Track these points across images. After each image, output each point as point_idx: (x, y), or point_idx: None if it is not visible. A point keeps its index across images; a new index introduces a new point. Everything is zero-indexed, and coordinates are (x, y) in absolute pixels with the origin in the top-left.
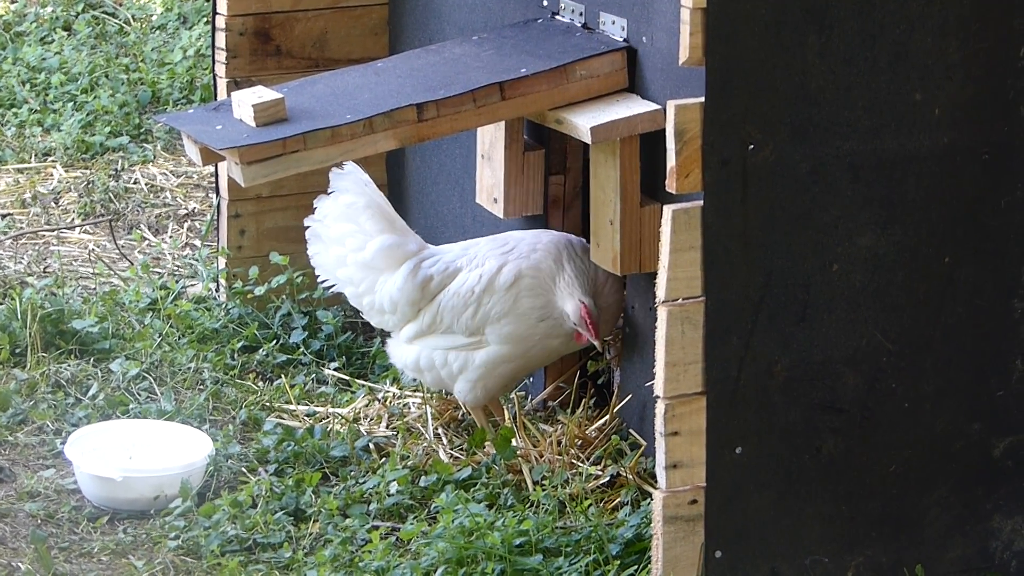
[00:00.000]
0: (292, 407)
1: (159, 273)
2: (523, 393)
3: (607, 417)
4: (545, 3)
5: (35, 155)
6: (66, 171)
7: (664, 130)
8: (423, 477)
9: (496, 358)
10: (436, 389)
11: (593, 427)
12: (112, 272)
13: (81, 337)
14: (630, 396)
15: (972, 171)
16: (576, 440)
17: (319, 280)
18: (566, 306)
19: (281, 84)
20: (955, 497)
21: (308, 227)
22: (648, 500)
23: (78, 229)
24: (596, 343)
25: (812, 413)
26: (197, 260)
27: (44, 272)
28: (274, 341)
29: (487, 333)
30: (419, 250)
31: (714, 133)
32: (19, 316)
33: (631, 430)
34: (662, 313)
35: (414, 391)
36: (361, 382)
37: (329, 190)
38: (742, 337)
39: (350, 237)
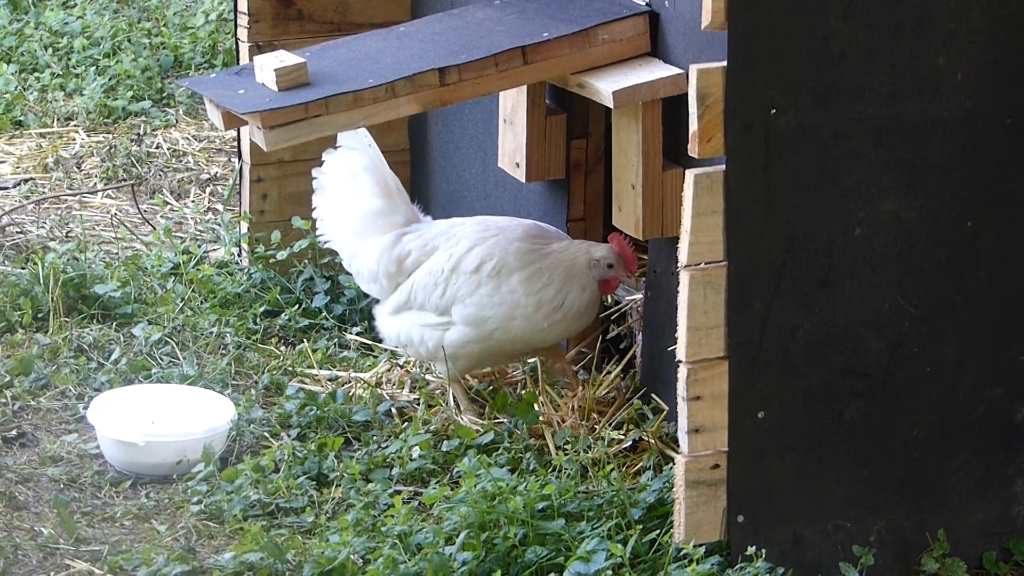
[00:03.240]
0: (314, 371)
1: (181, 238)
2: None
3: (629, 381)
4: None
5: (57, 120)
6: (88, 136)
7: (686, 94)
8: (445, 442)
9: (461, 338)
10: (419, 362)
11: (614, 391)
12: (134, 237)
13: (103, 302)
14: (653, 360)
15: (995, 136)
16: (597, 405)
17: (318, 235)
18: (596, 252)
19: (303, 48)
20: (977, 462)
21: (315, 178)
22: (670, 464)
23: (100, 194)
24: (631, 281)
25: (834, 377)
26: (219, 224)
27: (67, 237)
28: (296, 305)
29: (452, 313)
30: (407, 223)
31: (737, 97)
32: (42, 281)
33: (653, 395)
34: (684, 277)
35: None
36: (383, 346)
37: (336, 145)
38: (764, 301)
39: (345, 197)
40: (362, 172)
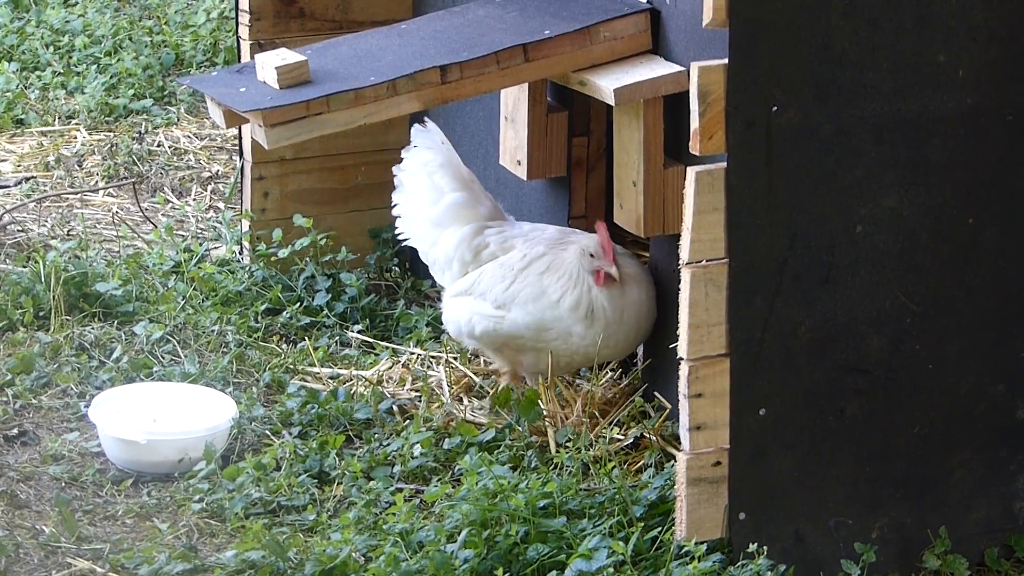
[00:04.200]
0: (316, 370)
1: (183, 236)
2: None
3: (631, 379)
4: None
5: (59, 118)
6: (90, 134)
7: (688, 92)
8: (447, 439)
9: (514, 333)
10: (474, 350)
11: (617, 389)
12: (136, 235)
13: (105, 300)
14: (654, 358)
15: (996, 132)
16: (600, 403)
17: (396, 232)
18: (585, 241)
19: (305, 46)
20: (979, 458)
21: (395, 176)
22: (672, 462)
23: (102, 192)
24: (613, 270)
25: (836, 375)
26: (221, 223)
27: (68, 235)
28: (298, 304)
29: (512, 310)
30: (489, 215)
31: (738, 95)
32: (43, 279)
33: (656, 392)
34: (686, 275)
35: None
36: (384, 344)
37: (411, 145)
38: (766, 299)
39: (424, 192)
40: (439, 169)
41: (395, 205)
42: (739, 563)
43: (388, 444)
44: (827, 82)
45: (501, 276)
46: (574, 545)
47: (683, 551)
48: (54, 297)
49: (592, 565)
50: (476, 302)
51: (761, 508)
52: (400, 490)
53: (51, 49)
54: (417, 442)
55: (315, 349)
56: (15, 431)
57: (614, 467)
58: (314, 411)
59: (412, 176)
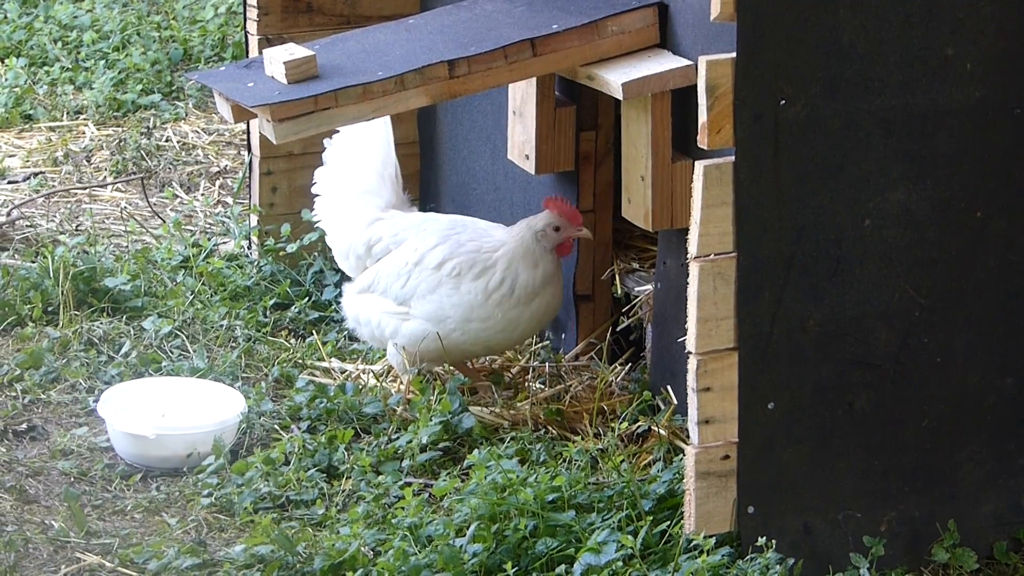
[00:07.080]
0: (324, 364)
1: (191, 231)
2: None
3: (639, 373)
4: None
5: (67, 113)
6: (98, 129)
7: (696, 86)
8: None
9: (419, 333)
10: (371, 344)
11: (624, 382)
12: (144, 230)
13: (113, 295)
14: (663, 352)
15: (1004, 126)
16: (607, 395)
17: (313, 212)
18: (537, 224)
19: (312, 41)
20: (988, 452)
21: (325, 149)
22: (680, 456)
23: (110, 187)
24: (583, 232)
25: (844, 368)
26: (229, 217)
27: (76, 230)
28: (306, 298)
29: (411, 307)
30: (387, 207)
31: (746, 88)
32: (52, 274)
33: (664, 386)
34: (694, 269)
35: None
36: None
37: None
38: (774, 292)
39: (339, 175)
40: (356, 152)
41: (314, 185)
42: (748, 557)
43: (397, 438)
44: (835, 76)
45: (396, 273)
46: (583, 539)
47: (692, 545)
48: (63, 292)
49: (601, 559)
50: (380, 300)
51: (770, 502)
52: (409, 484)
53: (59, 44)
54: (426, 435)
55: (324, 344)
56: (24, 426)
57: (622, 461)
58: (323, 406)
59: (332, 152)
